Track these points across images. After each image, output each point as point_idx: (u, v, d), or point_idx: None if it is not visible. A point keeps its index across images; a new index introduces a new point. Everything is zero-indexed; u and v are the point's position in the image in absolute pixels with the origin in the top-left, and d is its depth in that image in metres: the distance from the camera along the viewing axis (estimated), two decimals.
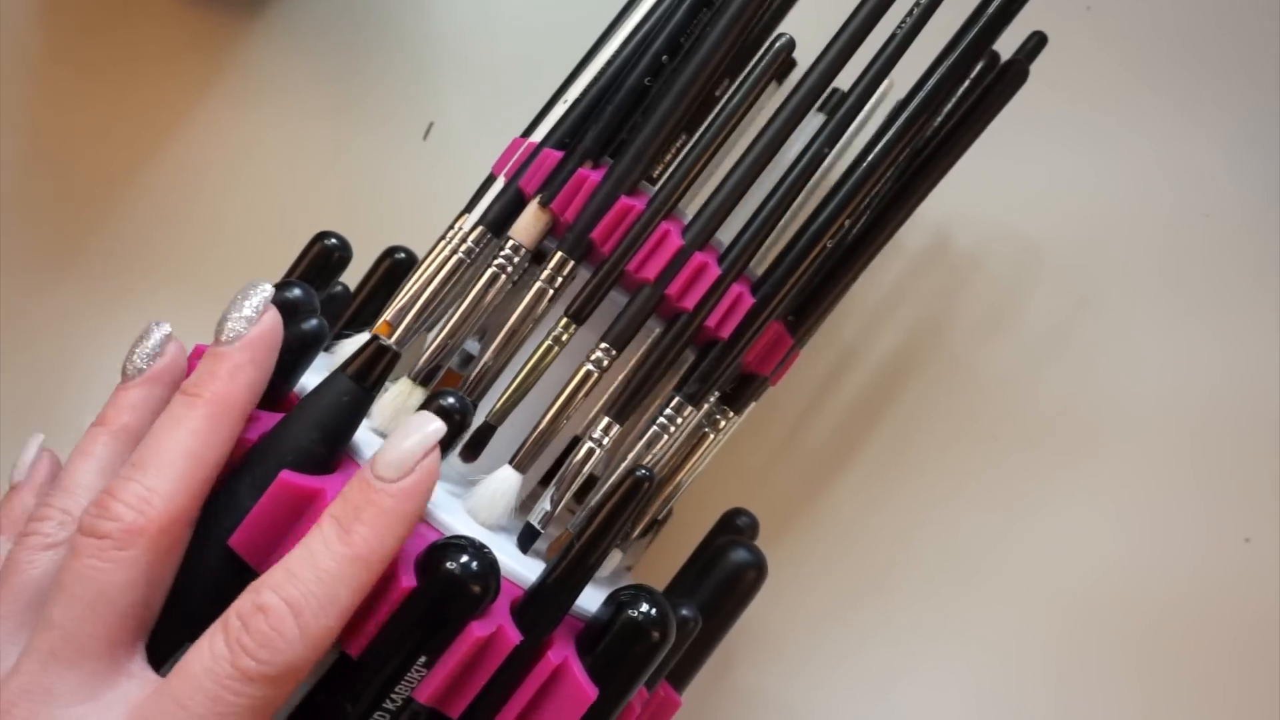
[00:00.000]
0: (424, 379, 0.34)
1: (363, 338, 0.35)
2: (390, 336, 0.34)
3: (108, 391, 0.31)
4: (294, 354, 0.32)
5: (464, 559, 0.27)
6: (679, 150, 0.35)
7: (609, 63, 0.35)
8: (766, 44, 0.34)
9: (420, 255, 0.37)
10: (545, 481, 0.37)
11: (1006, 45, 0.36)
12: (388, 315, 0.35)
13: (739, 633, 0.38)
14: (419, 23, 0.49)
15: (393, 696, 0.27)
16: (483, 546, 0.28)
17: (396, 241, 0.40)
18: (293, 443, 0.28)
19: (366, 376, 0.29)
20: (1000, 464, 0.45)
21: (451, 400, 0.29)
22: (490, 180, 0.37)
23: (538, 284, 0.33)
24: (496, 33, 0.49)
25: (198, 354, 0.32)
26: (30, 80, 0.47)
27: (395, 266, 0.41)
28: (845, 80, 0.35)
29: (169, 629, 0.29)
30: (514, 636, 0.28)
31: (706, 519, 0.40)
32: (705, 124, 0.34)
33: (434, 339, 0.34)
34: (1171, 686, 0.44)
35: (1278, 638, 0.43)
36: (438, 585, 0.27)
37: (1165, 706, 0.44)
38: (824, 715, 0.45)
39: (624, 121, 0.34)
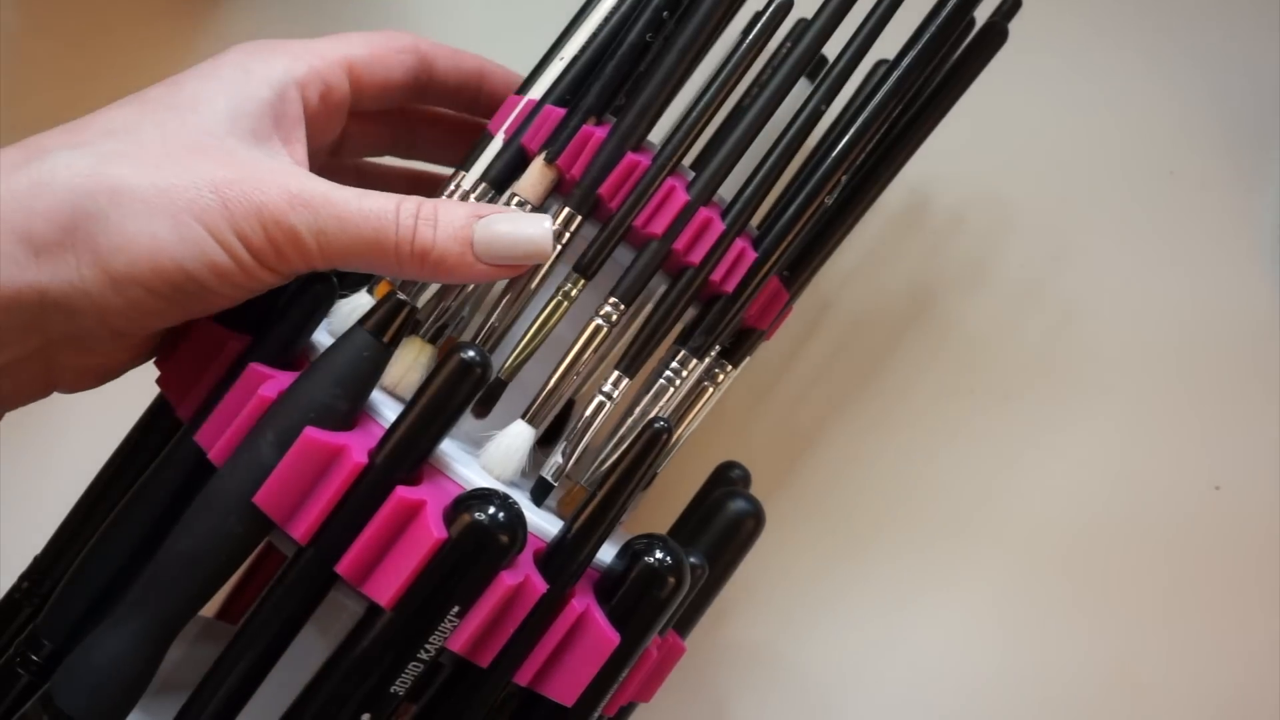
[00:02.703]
0: (432, 337, 0.34)
1: (360, 298, 0.35)
2: None
3: None
4: (305, 313, 0.32)
5: (491, 510, 0.28)
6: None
7: (607, 19, 0.35)
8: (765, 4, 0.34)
9: None
10: (543, 443, 0.37)
11: (981, 9, 0.37)
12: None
13: (730, 585, 0.39)
14: None
15: (427, 646, 0.27)
16: (508, 498, 0.28)
17: None
18: (315, 399, 0.28)
19: (385, 331, 0.29)
20: (978, 416, 0.47)
21: (473, 353, 0.29)
22: (487, 137, 0.36)
23: None
24: None
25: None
26: (5, 52, 0.46)
27: None
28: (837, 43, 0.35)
29: (190, 589, 0.29)
30: (540, 585, 0.29)
31: (690, 473, 0.40)
32: (708, 81, 0.34)
33: (440, 297, 0.34)
34: (1145, 632, 0.46)
35: (1246, 583, 0.45)
36: (469, 536, 0.27)
37: (1141, 651, 0.46)
38: (814, 664, 0.46)
39: (626, 78, 0.34)
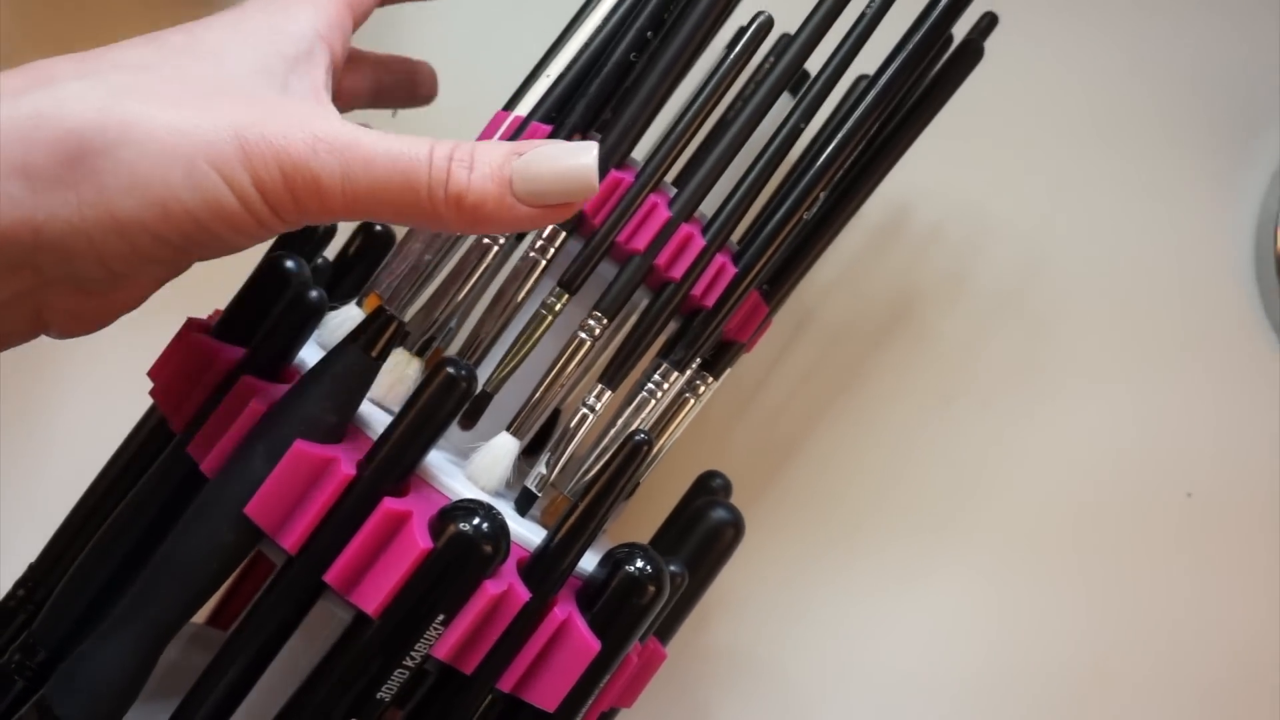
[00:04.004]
0: (419, 350, 0.34)
1: (349, 310, 0.35)
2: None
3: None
4: (295, 326, 0.32)
5: (476, 521, 0.28)
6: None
7: (592, 37, 0.36)
8: (747, 22, 0.35)
9: (399, 230, 0.38)
10: (528, 454, 0.38)
11: (958, 26, 0.38)
12: (378, 288, 0.36)
13: (711, 592, 0.39)
14: None
15: (412, 654, 0.28)
16: (493, 509, 0.29)
17: None
18: (305, 412, 0.29)
19: (374, 346, 0.30)
20: (955, 424, 0.47)
21: (459, 367, 0.29)
22: None
23: (530, 254, 0.34)
24: (469, 5, 0.49)
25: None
26: None
27: (372, 240, 0.41)
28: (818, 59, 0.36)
29: (181, 598, 0.29)
30: (523, 594, 0.30)
31: (672, 482, 0.41)
32: (689, 99, 0.35)
33: (428, 310, 0.34)
34: (1125, 627, 0.47)
35: (1216, 589, 0.46)
36: (454, 546, 0.28)
37: (1120, 646, 0.47)
38: (794, 669, 0.47)
39: (610, 96, 0.35)
